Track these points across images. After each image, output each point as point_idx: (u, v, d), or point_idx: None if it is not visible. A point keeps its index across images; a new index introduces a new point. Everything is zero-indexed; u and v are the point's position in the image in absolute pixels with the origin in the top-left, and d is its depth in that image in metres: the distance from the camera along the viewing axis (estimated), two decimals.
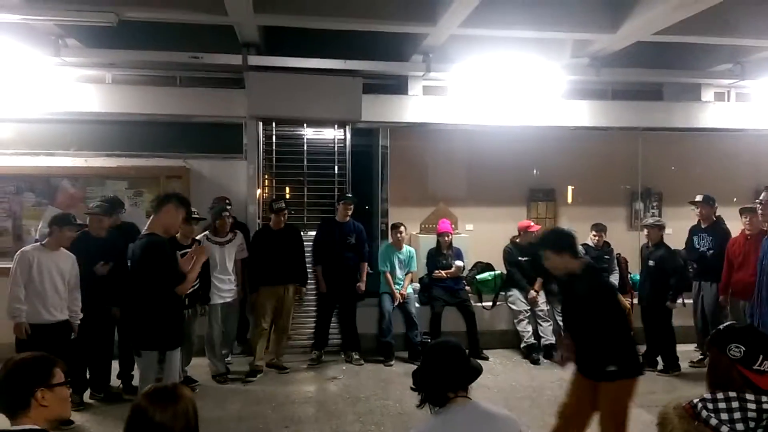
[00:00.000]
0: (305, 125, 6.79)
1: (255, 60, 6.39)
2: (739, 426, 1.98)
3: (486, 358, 6.36)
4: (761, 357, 2.07)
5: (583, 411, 3.49)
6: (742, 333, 2.16)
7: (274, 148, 6.74)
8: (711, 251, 6.00)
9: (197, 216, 5.52)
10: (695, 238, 6.19)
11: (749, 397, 2.02)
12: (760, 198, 4.01)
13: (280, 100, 6.46)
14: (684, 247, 6.39)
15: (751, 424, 1.98)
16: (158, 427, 1.77)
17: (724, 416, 2.00)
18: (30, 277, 4.50)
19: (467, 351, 7.02)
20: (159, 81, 7.00)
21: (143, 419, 1.80)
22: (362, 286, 6.41)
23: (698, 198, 6.13)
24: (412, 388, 2.32)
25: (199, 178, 6.63)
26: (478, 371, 2.30)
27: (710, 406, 2.03)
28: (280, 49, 6.53)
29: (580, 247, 3.52)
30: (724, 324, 2.28)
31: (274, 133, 6.74)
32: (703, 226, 6.15)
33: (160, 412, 1.79)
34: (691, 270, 6.42)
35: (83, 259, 4.86)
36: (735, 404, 2.01)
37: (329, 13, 5.61)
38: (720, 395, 2.05)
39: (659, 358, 6.08)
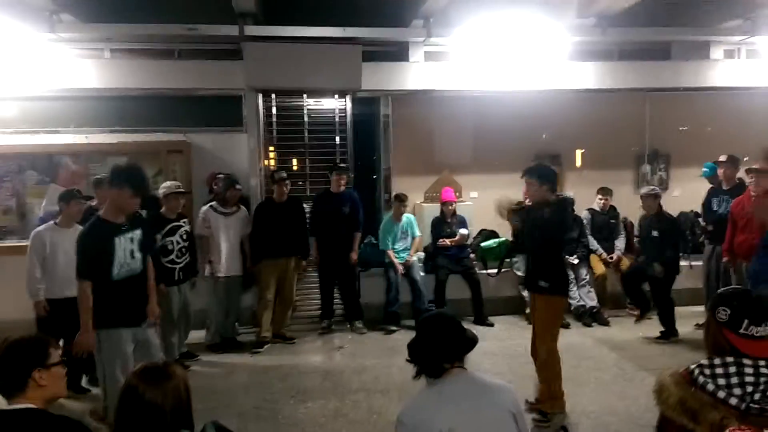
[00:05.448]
0: (305, 96, 6.70)
1: (252, 30, 6.28)
2: (737, 391, 1.95)
3: (491, 325, 6.38)
4: (746, 321, 2.01)
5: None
6: (732, 296, 2.10)
7: (274, 119, 6.68)
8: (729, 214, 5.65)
9: (181, 190, 5.53)
10: (714, 200, 5.91)
11: (746, 361, 1.98)
12: None
13: (278, 71, 6.35)
14: (701, 209, 6.22)
15: (749, 389, 1.94)
16: (148, 405, 1.78)
17: (722, 381, 1.97)
18: (45, 256, 4.72)
19: (473, 318, 6.93)
20: (157, 54, 6.90)
21: (134, 397, 1.80)
22: (354, 255, 6.35)
23: (722, 158, 5.84)
24: (407, 360, 2.32)
25: (200, 152, 6.60)
26: (474, 341, 2.28)
27: (707, 371, 2.00)
28: (278, 19, 6.40)
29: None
30: (724, 288, 2.23)
31: (274, 104, 6.66)
32: (724, 188, 5.84)
33: (150, 390, 1.79)
34: (702, 232, 6.28)
35: None
36: (732, 369, 1.98)
37: None
38: (717, 360, 2.02)
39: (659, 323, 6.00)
